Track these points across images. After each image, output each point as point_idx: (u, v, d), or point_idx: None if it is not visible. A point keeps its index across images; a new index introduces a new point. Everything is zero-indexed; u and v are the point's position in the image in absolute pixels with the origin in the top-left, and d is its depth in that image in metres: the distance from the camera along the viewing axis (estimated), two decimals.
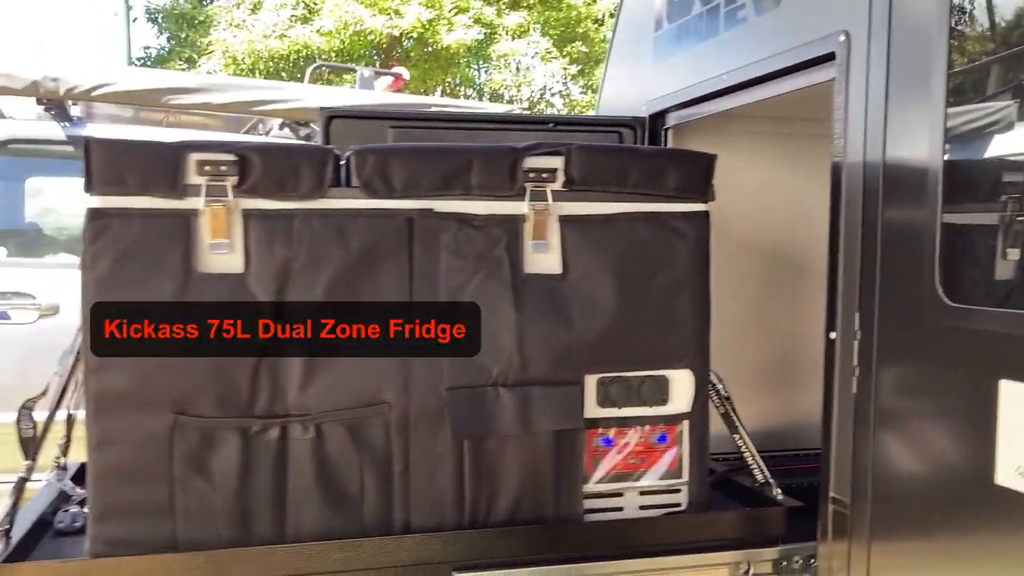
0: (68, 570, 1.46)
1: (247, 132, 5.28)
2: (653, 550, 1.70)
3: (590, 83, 14.28)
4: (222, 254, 1.54)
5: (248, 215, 1.55)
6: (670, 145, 2.37)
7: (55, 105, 4.18)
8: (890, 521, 1.52)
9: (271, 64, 12.89)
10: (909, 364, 1.50)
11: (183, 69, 13.20)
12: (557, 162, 1.68)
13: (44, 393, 1.69)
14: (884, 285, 1.52)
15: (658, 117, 2.41)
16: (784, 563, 1.76)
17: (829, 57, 1.68)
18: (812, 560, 1.75)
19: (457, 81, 14.23)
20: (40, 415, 1.76)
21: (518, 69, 14.01)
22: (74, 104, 4.41)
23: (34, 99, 4.18)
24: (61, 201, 5.08)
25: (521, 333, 1.64)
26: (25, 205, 4.51)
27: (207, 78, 4.37)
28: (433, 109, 3.94)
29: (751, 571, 1.74)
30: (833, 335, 1.65)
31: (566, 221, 1.68)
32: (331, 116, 2.34)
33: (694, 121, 2.30)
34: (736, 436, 1.89)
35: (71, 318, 3.94)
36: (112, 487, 1.51)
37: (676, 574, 1.71)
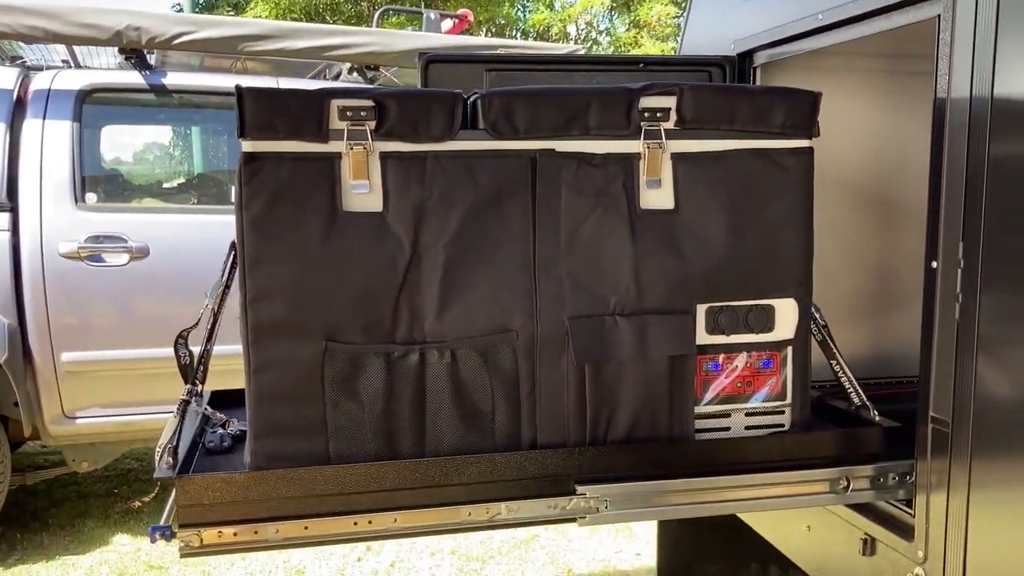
0: (237, 481, 1.62)
1: (314, 77, 5.40)
2: (759, 467, 1.82)
3: (635, 19, 14.12)
4: (363, 194, 1.66)
5: (385, 157, 1.67)
6: (759, 84, 2.43)
7: (135, 54, 4.31)
8: (992, 439, 1.62)
9: (310, 6, 12.95)
10: (1014, 292, 1.58)
11: (231, 15, 13.29)
12: (670, 102, 1.76)
13: (197, 324, 1.83)
14: (990, 216, 1.60)
15: (746, 56, 2.47)
16: (880, 479, 1.87)
17: None
18: (908, 477, 1.86)
19: (502, 21, 14.15)
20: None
21: (551, 6, 13.88)
22: (150, 53, 4.54)
23: (115, 48, 4.32)
24: (141, 147, 5.25)
25: (637, 266, 1.75)
26: (105, 153, 4.67)
27: (282, 25, 4.45)
28: (522, 52, 4.00)
29: (850, 487, 1.85)
30: (935, 264, 1.73)
31: (678, 158, 1.77)
32: (429, 60, 2.43)
33: (782, 60, 2.35)
34: (833, 362, 1.99)
35: (160, 260, 4.15)
36: (271, 407, 1.66)
37: (779, 488, 1.82)
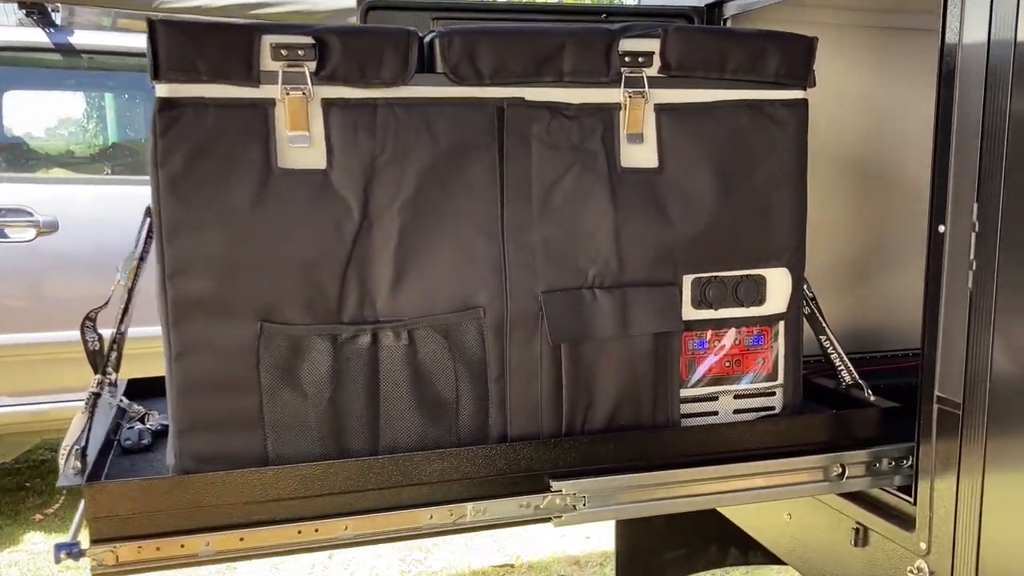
0: (158, 488, 1.37)
1: None
2: (749, 455, 1.64)
3: None
4: (302, 148, 1.41)
5: (328, 105, 1.42)
6: None
7: (37, 8, 3.93)
8: (1012, 420, 1.46)
9: None
10: None
11: None
12: (653, 45, 1.55)
13: (107, 304, 1.57)
14: (1013, 174, 1.43)
15: (715, 7, 2.28)
16: (877, 465, 1.71)
17: None
18: (905, 461, 1.71)
19: None
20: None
21: None
22: (55, 10, 4.17)
23: (15, 3, 3.94)
24: (48, 113, 4.85)
25: (618, 232, 1.55)
26: (6, 119, 4.28)
27: None
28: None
29: (845, 473, 1.69)
30: (942, 228, 1.56)
31: (662, 110, 1.57)
32: (370, 7, 2.18)
33: (756, 10, 2.17)
34: (823, 337, 1.82)
35: (71, 235, 3.81)
36: (197, 399, 1.41)
37: (772, 478, 1.65)
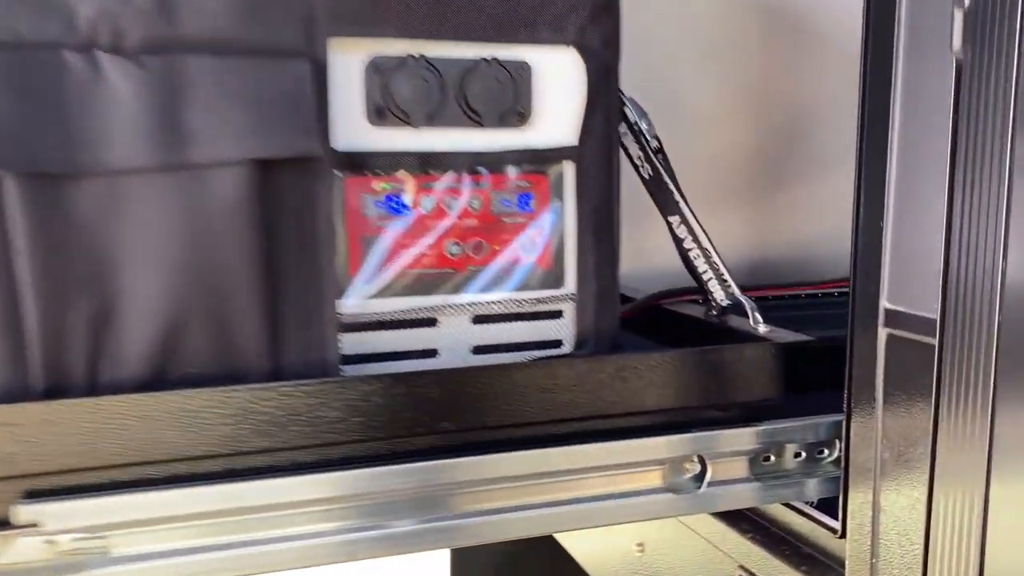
0: None
1: None
2: (505, 438, 0.78)
3: None
4: None
5: None
6: None
7: None
8: None
9: None
10: None
11: None
12: None
13: None
14: None
15: None
16: (768, 458, 0.86)
17: None
18: (823, 451, 0.87)
19: None
20: None
21: None
22: None
23: None
24: None
25: None
26: None
27: None
28: None
29: (706, 475, 0.84)
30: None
31: None
32: None
33: None
34: (673, 219, 0.96)
35: None
36: None
37: (559, 487, 0.79)
